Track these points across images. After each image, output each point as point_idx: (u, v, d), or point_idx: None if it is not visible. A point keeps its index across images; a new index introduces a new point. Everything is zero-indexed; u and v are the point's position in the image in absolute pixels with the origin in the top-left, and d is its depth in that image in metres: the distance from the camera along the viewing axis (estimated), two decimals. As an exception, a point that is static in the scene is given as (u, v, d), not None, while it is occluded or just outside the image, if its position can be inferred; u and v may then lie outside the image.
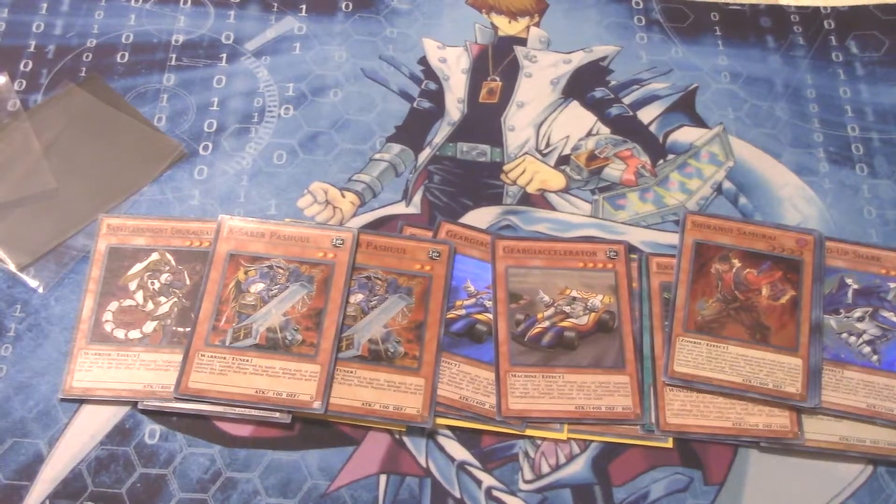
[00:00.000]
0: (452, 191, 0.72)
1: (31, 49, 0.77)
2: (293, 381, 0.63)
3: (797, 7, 0.83)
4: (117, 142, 0.72)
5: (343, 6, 0.81)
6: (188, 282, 0.67)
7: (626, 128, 0.76)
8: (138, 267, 0.67)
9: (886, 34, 0.81)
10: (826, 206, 0.72)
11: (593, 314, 0.67)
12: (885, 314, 0.67)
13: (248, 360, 0.63)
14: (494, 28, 0.81)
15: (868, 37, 0.81)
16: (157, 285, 0.67)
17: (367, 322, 0.66)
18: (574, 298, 0.67)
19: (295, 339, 0.64)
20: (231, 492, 0.61)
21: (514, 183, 0.73)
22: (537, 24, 0.81)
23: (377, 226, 0.70)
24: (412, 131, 0.75)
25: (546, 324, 0.66)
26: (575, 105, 0.77)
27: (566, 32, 0.81)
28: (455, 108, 0.76)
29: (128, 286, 0.66)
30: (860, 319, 0.67)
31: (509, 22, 0.81)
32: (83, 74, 0.75)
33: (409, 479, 0.62)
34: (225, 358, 0.64)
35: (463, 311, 0.67)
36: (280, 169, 0.72)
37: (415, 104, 0.76)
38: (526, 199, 0.72)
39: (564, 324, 0.66)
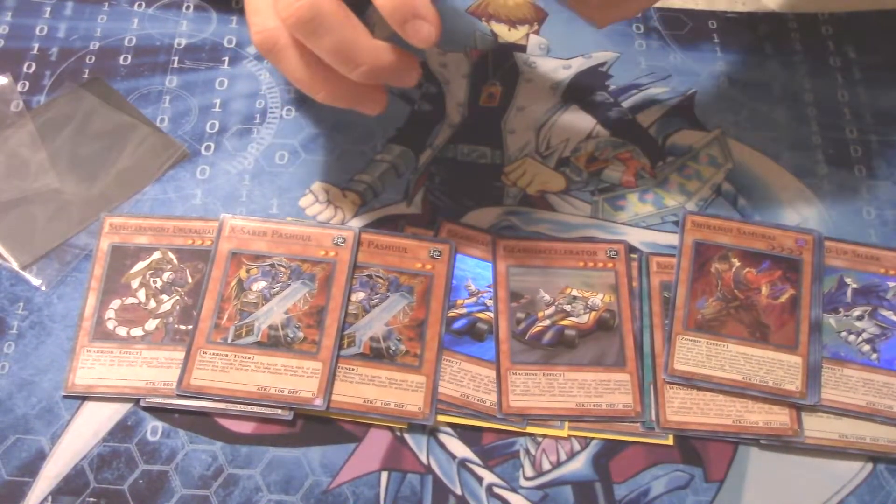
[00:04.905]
0: (453, 191, 0.72)
1: (35, 51, 0.77)
2: (295, 378, 0.63)
3: (795, 14, 0.83)
4: (120, 142, 0.72)
5: (344, 11, 0.81)
6: (190, 280, 0.67)
7: (626, 131, 0.76)
8: (140, 265, 0.67)
9: (884, 39, 0.82)
10: (825, 207, 0.73)
11: (594, 313, 0.67)
12: (885, 313, 0.68)
13: (249, 358, 0.64)
14: (494, 35, 0.81)
15: (866, 42, 0.82)
16: (159, 283, 0.67)
17: (368, 320, 0.66)
18: (574, 297, 0.68)
19: (297, 337, 0.65)
20: (233, 488, 0.61)
21: (515, 184, 0.73)
22: (537, 32, 0.82)
23: (378, 225, 0.70)
24: (413, 133, 0.75)
25: (547, 322, 0.67)
26: (574, 109, 0.77)
27: (565, 39, 0.81)
28: (455, 111, 0.76)
29: (130, 284, 0.67)
30: (859, 318, 0.67)
31: (509, 30, 0.82)
32: (86, 76, 0.76)
33: (411, 476, 0.63)
34: (227, 355, 0.64)
35: (464, 310, 0.67)
36: (282, 169, 0.73)
37: (415, 107, 0.77)
38: (526, 201, 0.72)
39: (565, 322, 0.67)
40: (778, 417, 0.64)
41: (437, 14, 0.55)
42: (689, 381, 0.64)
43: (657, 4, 0.82)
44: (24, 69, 0.76)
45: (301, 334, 0.65)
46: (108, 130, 0.73)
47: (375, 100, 0.62)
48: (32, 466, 0.62)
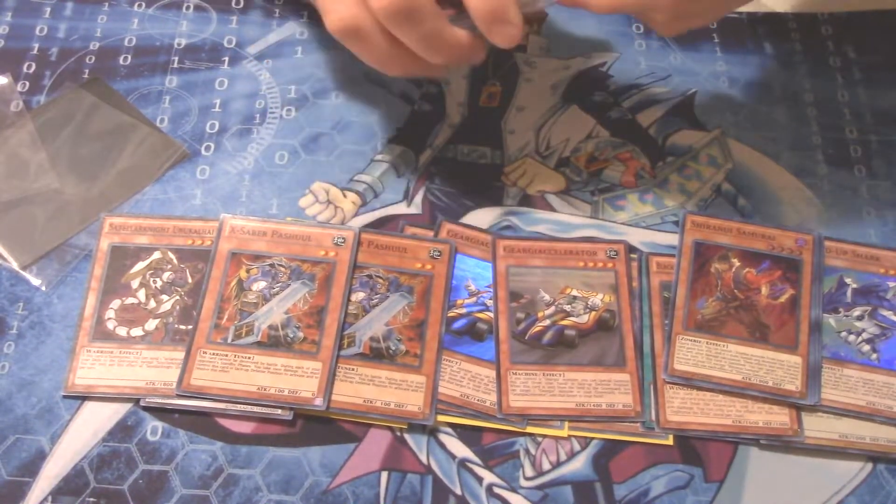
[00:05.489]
0: (453, 191, 0.72)
1: (35, 51, 0.77)
2: (295, 378, 0.63)
3: (795, 14, 0.83)
4: (120, 142, 0.72)
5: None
6: (190, 280, 0.67)
7: (626, 131, 0.76)
8: (140, 265, 0.67)
9: (884, 39, 0.82)
10: (825, 207, 0.73)
11: (594, 313, 0.67)
12: (884, 313, 0.68)
13: (249, 358, 0.64)
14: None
15: (866, 42, 0.82)
16: (159, 283, 0.67)
17: (368, 320, 0.66)
18: (574, 297, 0.68)
19: (297, 337, 0.65)
20: (233, 488, 0.61)
21: (515, 184, 0.73)
22: (537, 32, 0.82)
23: (378, 225, 0.70)
24: (413, 133, 0.75)
25: (547, 322, 0.67)
26: (574, 109, 0.77)
27: (565, 39, 0.81)
28: (455, 111, 0.76)
29: (130, 284, 0.67)
30: (859, 318, 0.67)
31: (508, 30, 0.82)
32: (86, 76, 0.76)
33: (411, 476, 0.63)
34: (227, 355, 0.64)
35: (464, 310, 0.67)
36: (282, 169, 0.73)
37: (415, 107, 0.77)
38: (526, 201, 0.72)
39: (565, 322, 0.67)
40: (778, 417, 0.64)
41: (521, 18, 0.57)
42: (689, 381, 0.64)
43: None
44: (24, 69, 0.76)
45: (301, 334, 0.65)
46: (108, 130, 0.73)
47: (438, 68, 0.64)
48: (32, 466, 0.62)
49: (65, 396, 0.64)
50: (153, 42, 0.79)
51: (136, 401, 0.64)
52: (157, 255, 0.68)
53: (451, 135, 0.75)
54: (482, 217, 0.71)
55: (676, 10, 0.60)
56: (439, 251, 0.68)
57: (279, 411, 0.63)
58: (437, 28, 0.58)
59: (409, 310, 0.66)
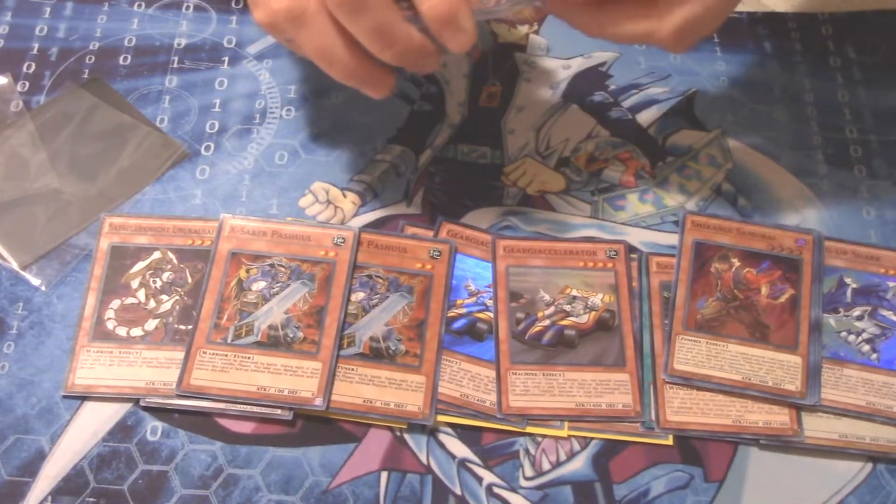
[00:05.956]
0: (453, 192, 0.72)
1: (35, 51, 0.77)
2: (295, 378, 0.63)
3: (795, 14, 0.83)
4: (120, 142, 0.72)
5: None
6: (190, 280, 0.67)
7: (626, 131, 0.76)
8: (140, 265, 0.67)
9: (884, 39, 0.82)
10: (825, 207, 0.73)
11: (593, 313, 0.67)
12: (884, 313, 0.68)
13: (249, 358, 0.64)
14: (494, 35, 0.81)
15: (866, 42, 0.82)
16: (158, 283, 0.67)
17: (368, 320, 0.66)
18: (574, 297, 0.68)
19: (296, 337, 0.65)
20: (233, 488, 0.61)
21: (515, 184, 0.73)
22: (537, 32, 0.82)
23: (378, 225, 0.70)
24: (413, 133, 0.75)
25: (546, 322, 0.67)
26: (574, 109, 0.77)
27: (565, 40, 0.81)
28: (455, 111, 0.76)
29: (130, 284, 0.67)
30: (859, 318, 0.67)
31: (509, 30, 0.82)
32: (86, 76, 0.76)
33: (411, 476, 0.62)
34: (227, 355, 0.64)
35: (464, 310, 0.67)
36: (282, 169, 0.73)
37: (415, 107, 0.76)
38: (526, 201, 0.72)
39: (565, 322, 0.66)
40: (778, 417, 0.64)
41: (475, 25, 0.56)
42: (689, 381, 0.64)
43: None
44: (24, 69, 0.76)
45: (301, 334, 0.65)
46: (108, 130, 0.73)
47: (385, 83, 0.61)
48: (32, 466, 0.62)
49: (65, 396, 0.64)
50: (153, 42, 0.79)
51: (136, 401, 0.64)
52: (156, 255, 0.68)
53: (451, 135, 0.75)
54: (482, 217, 0.71)
55: (687, 25, 0.59)
56: (439, 251, 0.68)
57: (279, 411, 0.63)
58: (389, 20, 0.55)
59: (409, 310, 0.66)
